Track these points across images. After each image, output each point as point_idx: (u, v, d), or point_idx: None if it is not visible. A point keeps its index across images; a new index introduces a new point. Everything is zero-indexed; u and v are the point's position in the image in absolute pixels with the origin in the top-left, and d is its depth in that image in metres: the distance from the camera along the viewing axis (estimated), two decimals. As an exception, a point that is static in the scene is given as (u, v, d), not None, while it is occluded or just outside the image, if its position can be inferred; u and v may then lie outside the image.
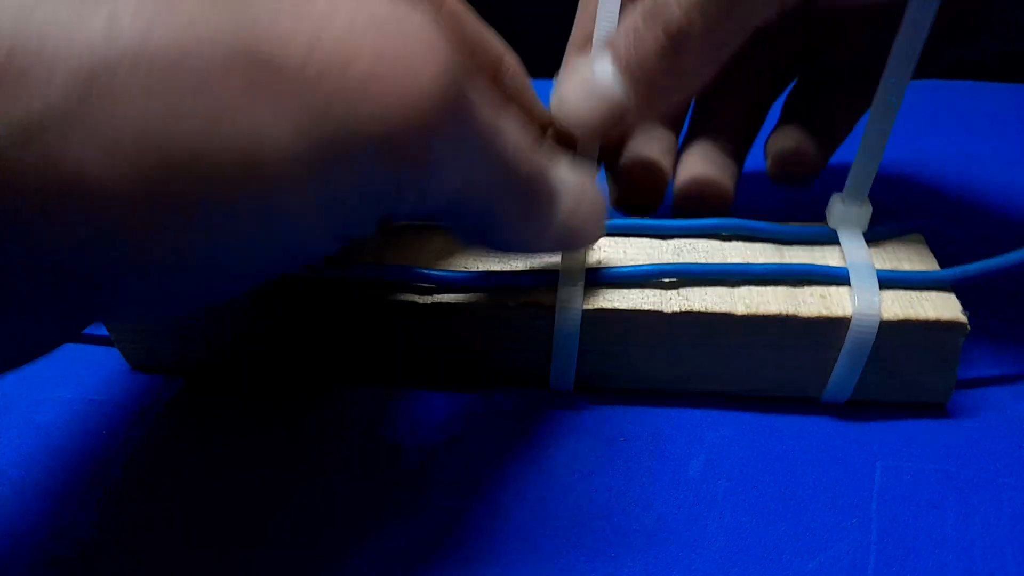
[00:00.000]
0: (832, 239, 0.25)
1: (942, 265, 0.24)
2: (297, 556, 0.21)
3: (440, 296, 0.24)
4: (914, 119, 0.43)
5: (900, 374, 0.23)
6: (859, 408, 0.24)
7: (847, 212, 0.25)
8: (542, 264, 0.24)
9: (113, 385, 0.26)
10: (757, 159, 0.29)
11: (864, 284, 0.23)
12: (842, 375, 0.23)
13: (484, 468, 0.23)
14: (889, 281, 0.23)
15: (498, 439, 0.24)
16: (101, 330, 0.28)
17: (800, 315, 0.22)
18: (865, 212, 0.25)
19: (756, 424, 0.24)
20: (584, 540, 0.21)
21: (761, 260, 0.24)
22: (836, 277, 0.23)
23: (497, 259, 0.25)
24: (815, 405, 0.24)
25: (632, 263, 0.24)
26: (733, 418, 0.24)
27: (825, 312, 0.22)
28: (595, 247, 0.25)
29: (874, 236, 0.25)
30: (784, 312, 0.22)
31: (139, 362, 0.26)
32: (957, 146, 0.40)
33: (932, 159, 0.39)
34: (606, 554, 0.21)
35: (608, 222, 0.25)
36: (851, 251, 0.24)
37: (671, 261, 0.24)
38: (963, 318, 0.22)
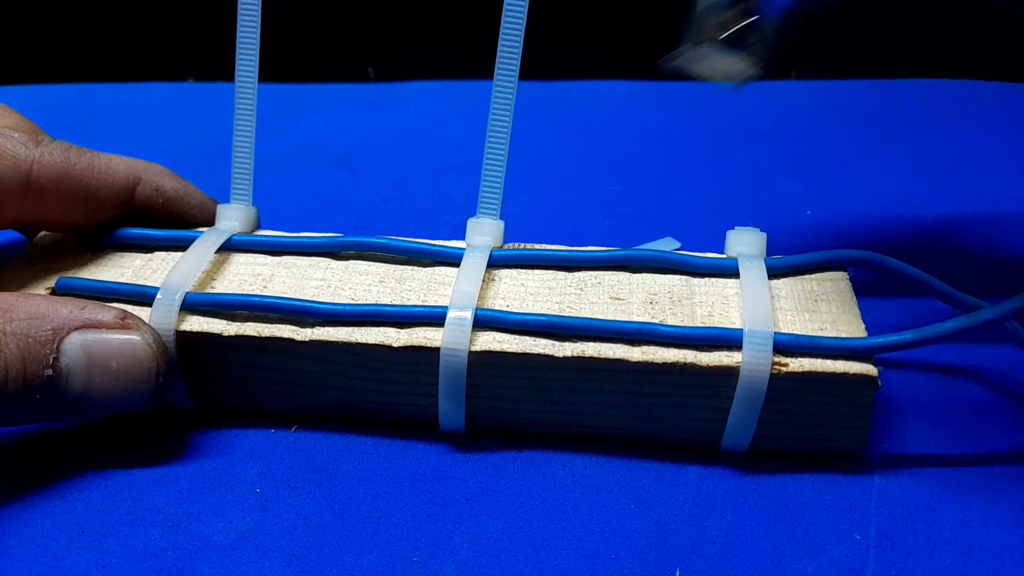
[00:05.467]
0: (735, 270, 0.24)
1: (866, 304, 0.23)
2: None
3: (319, 331, 0.23)
4: (914, 119, 0.43)
5: (806, 426, 0.22)
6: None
7: (741, 241, 0.24)
8: (434, 298, 0.24)
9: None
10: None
11: (756, 342, 0.21)
12: (738, 425, 0.22)
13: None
14: (789, 347, 0.21)
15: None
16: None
17: (699, 364, 0.21)
18: (759, 239, 0.24)
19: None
20: (583, 542, 0.21)
21: (670, 292, 0.24)
22: (732, 340, 0.21)
23: (389, 291, 0.24)
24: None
25: (532, 297, 0.23)
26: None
27: (726, 361, 0.21)
28: (495, 278, 0.24)
29: (788, 267, 0.24)
30: (682, 361, 0.21)
31: None
32: (956, 146, 0.40)
33: (931, 158, 0.39)
34: (605, 556, 0.21)
35: (510, 252, 0.25)
36: (750, 294, 0.22)
37: (574, 295, 0.23)
38: (873, 372, 0.21)
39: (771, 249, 0.25)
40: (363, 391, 0.23)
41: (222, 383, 0.24)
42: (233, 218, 0.26)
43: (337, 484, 0.23)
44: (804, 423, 0.22)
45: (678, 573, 0.20)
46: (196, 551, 0.21)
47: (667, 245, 0.31)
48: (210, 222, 0.27)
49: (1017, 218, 0.34)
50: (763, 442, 0.23)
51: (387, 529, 0.21)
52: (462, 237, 0.26)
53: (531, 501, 0.22)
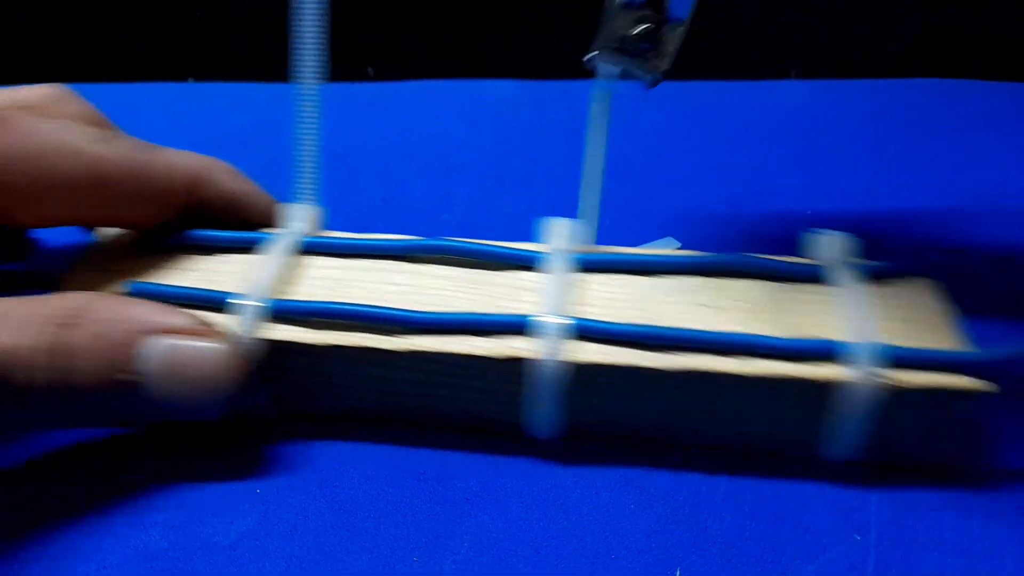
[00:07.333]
0: (825, 277, 0.23)
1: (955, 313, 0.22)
2: None
3: (409, 341, 0.22)
4: (914, 119, 0.43)
5: (914, 439, 0.22)
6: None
7: (827, 245, 0.24)
8: (521, 305, 0.23)
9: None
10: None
11: (867, 355, 0.21)
12: (840, 437, 0.22)
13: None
14: (898, 359, 0.21)
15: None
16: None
17: (804, 377, 0.21)
18: (846, 244, 0.24)
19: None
20: (583, 542, 0.21)
21: (758, 298, 0.23)
22: (841, 354, 0.21)
23: (471, 296, 0.23)
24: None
25: (619, 304, 0.23)
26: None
27: (832, 374, 0.21)
28: (579, 283, 0.24)
29: (873, 274, 0.24)
30: (787, 374, 0.21)
31: None
32: (956, 146, 0.40)
33: (931, 158, 0.39)
34: (605, 556, 0.21)
35: (591, 256, 0.24)
36: (850, 305, 0.22)
37: (661, 301, 0.23)
38: (988, 386, 0.20)
39: (771, 250, 0.25)
40: (448, 399, 0.23)
41: (299, 390, 0.24)
42: (300, 219, 0.26)
43: (337, 484, 0.23)
44: (913, 435, 0.22)
45: (678, 573, 0.20)
46: (196, 551, 0.21)
47: (668, 245, 0.31)
48: (271, 223, 0.26)
49: (1018, 218, 0.34)
50: (865, 453, 0.22)
51: (387, 529, 0.21)
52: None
53: (531, 501, 0.22)
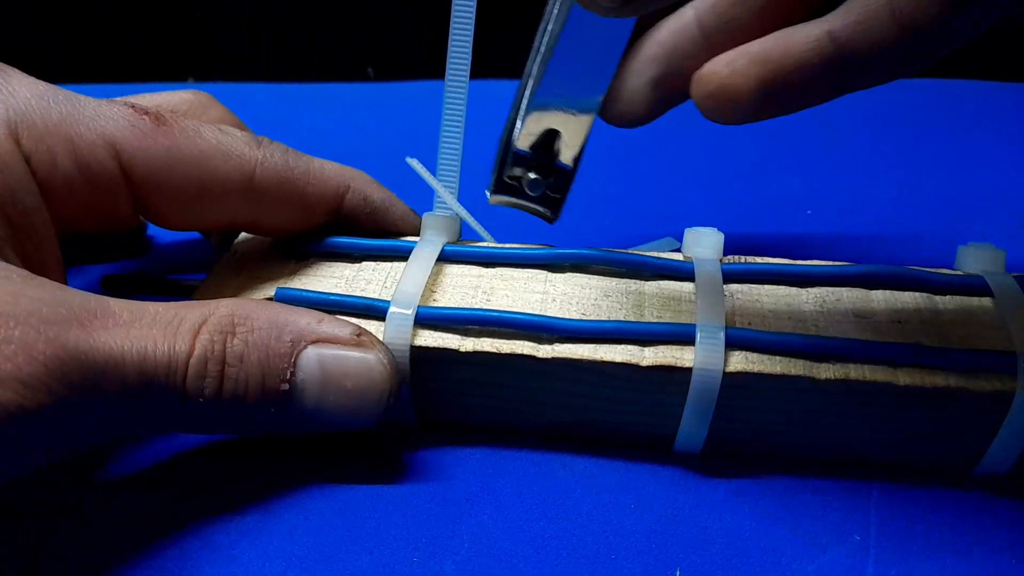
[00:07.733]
0: (985, 288, 0.22)
1: None
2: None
3: (560, 348, 0.22)
4: (914, 119, 0.43)
5: None
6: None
7: (981, 257, 0.23)
8: (672, 315, 0.22)
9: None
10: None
11: None
12: (1003, 450, 0.21)
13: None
14: None
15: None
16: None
17: (971, 389, 0.20)
18: (1000, 256, 0.23)
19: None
20: (583, 542, 0.21)
21: (911, 309, 0.22)
22: (1006, 366, 0.20)
23: (618, 305, 0.23)
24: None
25: (772, 315, 0.22)
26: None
27: (1001, 387, 0.20)
28: (728, 293, 0.23)
29: None
30: (953, 385, 0.20)
31: None
32: (956, 146, 0.40)
33: (932, 159, 0.39)
34: (605, 556, 0.21)
35: (739, 266, 0.23)
36: (1015, 317, 0.21)
37: (815, 313, 0.22)
38: None
39: (767, 249, 0.25)
40: (596, 409, 0.23)
41: (443, 398, 0.23)
42: (440, 228, 0.25)
43: (337, 483, 0.23)
44: None
45: (678, 573, 0.20)
46: (196, 551, 0.21)
47: (667, 246, 0.31)
48: (410, 232, 0.26)
49: (1018, 218, 0.34)
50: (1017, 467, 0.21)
51: (387, 529, 0.21)
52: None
53: (531, 501, 0.22)
